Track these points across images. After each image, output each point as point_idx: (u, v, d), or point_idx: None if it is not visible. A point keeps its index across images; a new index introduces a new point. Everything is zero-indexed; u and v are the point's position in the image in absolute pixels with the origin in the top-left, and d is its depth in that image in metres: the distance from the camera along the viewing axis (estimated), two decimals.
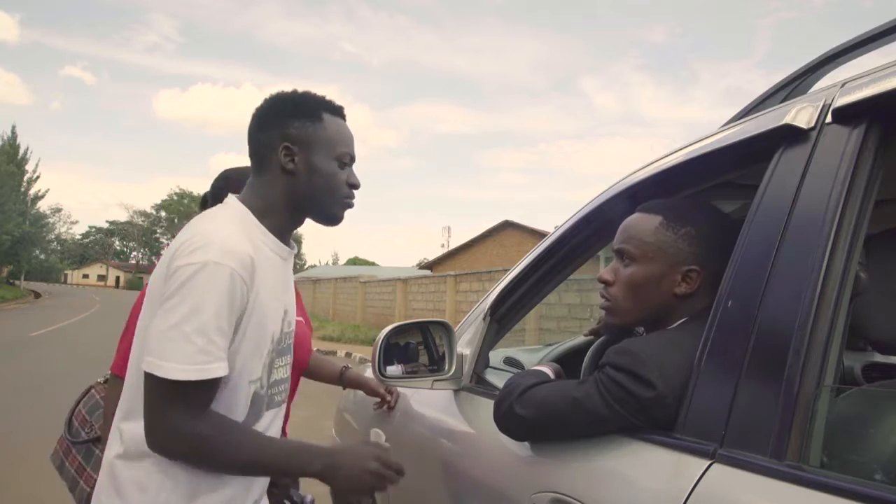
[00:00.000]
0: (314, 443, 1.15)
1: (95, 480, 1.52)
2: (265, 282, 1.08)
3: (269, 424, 1.18)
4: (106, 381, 1.64)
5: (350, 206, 1.20)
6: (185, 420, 1.00)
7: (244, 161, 1.31)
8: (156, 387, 1.00)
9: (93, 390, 1.69)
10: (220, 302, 1.00)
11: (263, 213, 1.14)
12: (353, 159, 1.20)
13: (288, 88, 1.19)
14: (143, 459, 1.04)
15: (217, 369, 1.00)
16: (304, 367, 1.74)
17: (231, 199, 1.16)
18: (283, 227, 1.16)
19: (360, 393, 1.92)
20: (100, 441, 1.56)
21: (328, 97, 1.20)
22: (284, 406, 1.24)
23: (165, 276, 1.03)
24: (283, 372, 1.21)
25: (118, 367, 1.52)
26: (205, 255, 1.01)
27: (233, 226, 1.08)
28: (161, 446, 1.02)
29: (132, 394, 1.07)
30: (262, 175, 1.16)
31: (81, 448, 1.61)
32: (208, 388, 1.02)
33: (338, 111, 1.19)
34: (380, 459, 1.10)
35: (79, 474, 1.59)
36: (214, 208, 1.17)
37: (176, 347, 0.98)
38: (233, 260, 1.02)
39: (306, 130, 1.14)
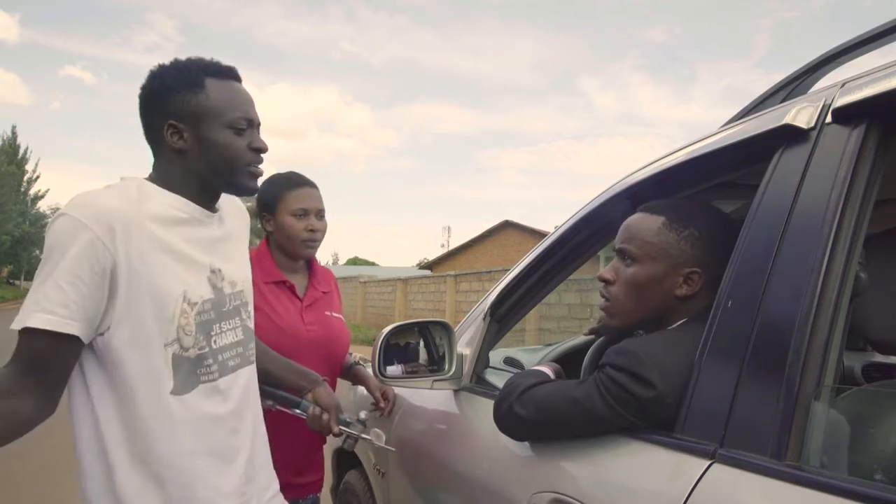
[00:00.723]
0: None
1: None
2: (156, 241, 1.03)
3: (231, 392, 1.13)
4: None
5: (258, 172, 1.14)
6: (7, 372, 1.00)
7: None
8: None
9: None
10: (63, 254, 0.97)
11: (167, 187, 1.10)
12: (251, 122, 1.12)
13: (168, 59, 1.13)
14: None
15: (40, 321, 0.96)
16: (341, 364, 1.78)
17: (128, 177, 1.11)
18: (192, 195, 1.11)
19: (361, 392, 1.92)
20: None
21: (215, 59, 1.12)
22: (248, 371, 1.20)
23: None
24: (234, 336, 1.16)
25: None
26: (61, 210, 1.00)
27: (111, 189, 1.05)
28: None
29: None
30: (158, 157, 1.12)
31: None
32: (38, 343, 0.98)
33: (225, 73, 1.12)
34: None
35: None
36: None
37: (26, 301, 1.00)
38: (85, 213, 0.98)
39: (189, 103, 1.07)
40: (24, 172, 42.22)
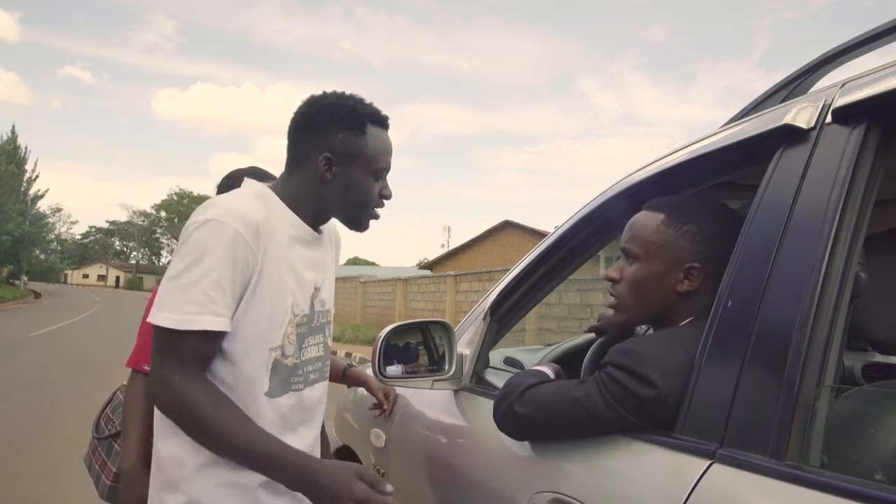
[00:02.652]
0: (299, 451, 1.07)
1: (116, 474, 1.57)
2: (282, 253, 1.11)
3: (309, 403, 1.21)
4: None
5: (377, 216, 1.22)
6: (174, 371, 1.03)
7: (244, 161, 1.33)
8: (155, 337, 1.05)
9: (118, 392, 1.75)
10: (218, 257, 1.02)
11: (290, 202, 1.16)
12: (388, 171, 1.21)
13: (336, 90, 1.18)
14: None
15: (207, 322, 1.02)
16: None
17: (252, 182, 1.17)
18: (307, 219, 1.18)
19: (361, 392, 1.92)
20: (119, 436, 1.62)
21: (375, 105, 1.19)
22: (322, 386, 1.27)
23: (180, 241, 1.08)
24: (316, 350, 1.24)
25: (133, 362, 1.59)
26: (206, 214, 1.05)
27: (247, 197, 1.11)
28: (150, 393, 1.07)
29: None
30: (296, 174, 1.17)
31: (104, 444, 1.68)
32: (201, 341, 1.04)
33: (383, 122, 1.19)
34: (365, 479, 0.99)
35: (101, 469, 1.66)
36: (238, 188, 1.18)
37: (171, 297, 1.03)
38: (235, 220, 1.04)
39: (349, 144, 1.14)
40: (23, 172, 42.21)
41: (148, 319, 1.04)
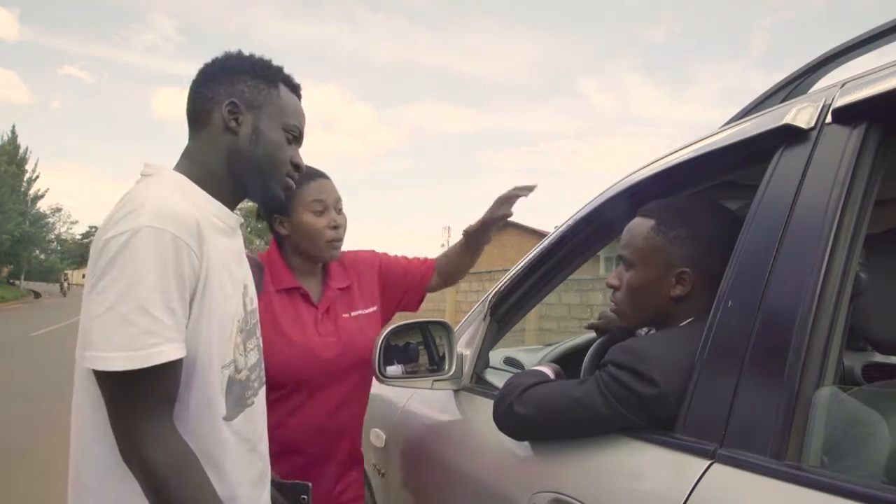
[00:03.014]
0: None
1: None
2: (217, 251, 0.96)
3: (257, 413, 1.07)
4: None
5: (290, 187, 1.10)
6: (146, 421, 0.86)
7: None
8: (105, 385, 0.87)
9: None
10: (162, 273, 0.86)
11: (203, 181, 1.01)
12: (300, 137, 1.10)
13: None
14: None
15: (168, 351, 0.86)
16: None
17: (162, 168, 1.01)
18: (224, 197, 1.04)
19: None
20: None
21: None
22: (263, 392, 1.12)
23: (95, 258, 0.89)
24: (256, 355, 1.08)
25: None
26: (136, 221, 0.86)
27: (169, 189, 0.94)
28: (129, 455, 0.87)
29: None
30: (199, 132, 1.04)
31: None
32: (166, 377, 0.87)
33: (296, 89, 1.11)
34: None
35: None
36: (147, 178, 0.99)
37: (112, 333, 0.84)
38: (172, 223, 0.88)
39: (258, 91, 1.04)
40: (24, 172, 42.22)
41: (88, 365, 0.86)
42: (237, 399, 1.01)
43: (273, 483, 1.19)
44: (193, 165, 1.03)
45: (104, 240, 0.88)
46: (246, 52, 1.10)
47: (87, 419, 0.94)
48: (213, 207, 1.01)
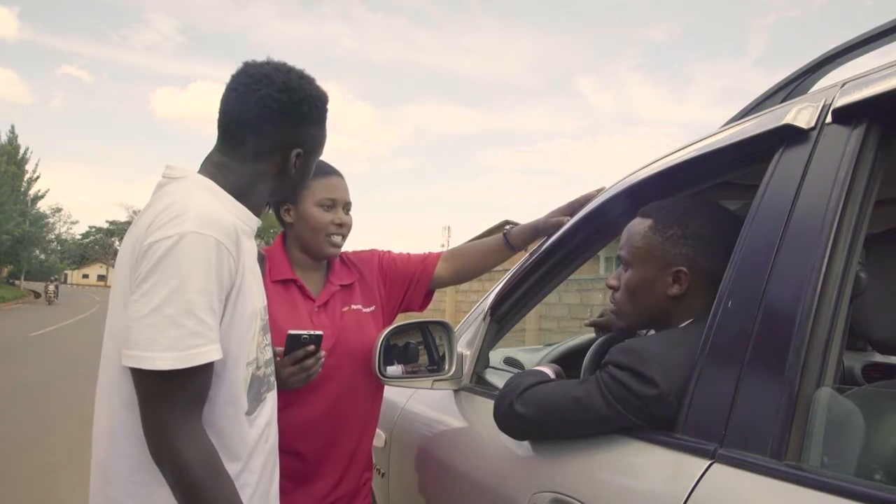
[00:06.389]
0: None
1: None
2: (247, 254, 1.01)
3: (270, 406, 1.10)
4: None
5: None
6: (182, 420, 0.89)
7: None
8: (145, 383, 0.89)
9: None
10: (207, 277, 0.90)
11: (234, 193, 1.04)
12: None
13: (296, 68, 1.09)
14: None
15: (211, 352, 0.90)
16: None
17: (189, 171, 1.04)
18: (251, 208, 1.08)
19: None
20: None
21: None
22: (275, 390, 1.16)
23: (135, 258, 0.92)
24: (270, 350, 1.12)
25: None
26: (182, 226, 0.90)
27: (208, 195, 0.99)
28: (160, 453, 0.89)
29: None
30: (251, 165, 1.06)
31: None
32: (202, 377, 0.91)
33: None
34: None
35: None
36: (177, 182, 1.02)
37: (161, 334, 0.87)
38: (215, 229, 0.92)
39: (317, 139, 1.12)
40: (24, 172, 42.21)
41: (132, 365, 0.88)
42: (256, 394, 1.04)
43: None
44: (229, 180, 1.04)
45: (148, 243, 0.90)
46: (296, 68, 1.09)
47: (117, 416, 0.96)
48: (240, 212, 1.04)
